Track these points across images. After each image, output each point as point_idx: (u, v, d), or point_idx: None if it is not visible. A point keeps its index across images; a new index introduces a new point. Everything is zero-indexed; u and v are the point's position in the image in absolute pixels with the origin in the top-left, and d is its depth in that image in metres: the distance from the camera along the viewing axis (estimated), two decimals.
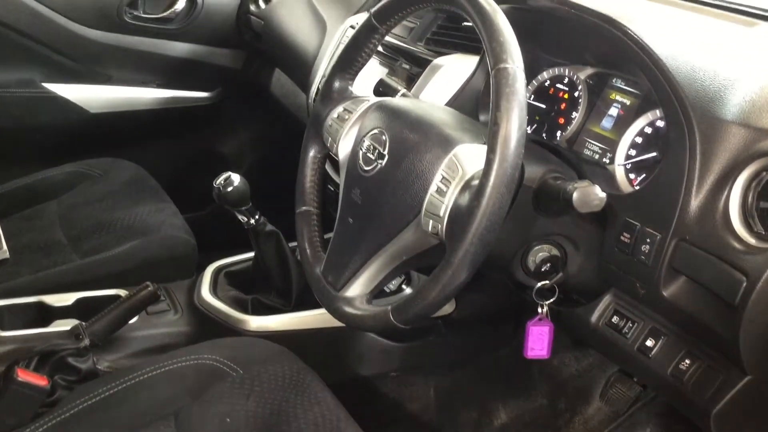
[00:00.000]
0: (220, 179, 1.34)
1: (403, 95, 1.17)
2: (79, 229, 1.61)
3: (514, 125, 0.79)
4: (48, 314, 1.33)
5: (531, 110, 1.17)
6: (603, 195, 0.87)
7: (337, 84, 1.12)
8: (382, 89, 1.22)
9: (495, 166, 0.79)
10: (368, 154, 1.00)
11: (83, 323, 1.21)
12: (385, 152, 0.97)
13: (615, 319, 1.01)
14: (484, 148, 0.83)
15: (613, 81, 1.11)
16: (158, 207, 1.68)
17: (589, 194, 0.86)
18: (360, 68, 1.12)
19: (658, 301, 0.92)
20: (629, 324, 0.99)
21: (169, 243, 1.57)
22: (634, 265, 0.94)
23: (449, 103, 1.24)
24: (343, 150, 1.07)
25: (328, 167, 1.25)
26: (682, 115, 0.89)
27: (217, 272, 1.50)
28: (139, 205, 1.68)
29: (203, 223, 1.89)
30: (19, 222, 1.65)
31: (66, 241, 1.58)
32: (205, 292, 1.42)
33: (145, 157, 2.00)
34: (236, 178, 1.34)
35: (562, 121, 1.17)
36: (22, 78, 1.99)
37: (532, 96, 1.22)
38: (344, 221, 1.04)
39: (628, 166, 1.04)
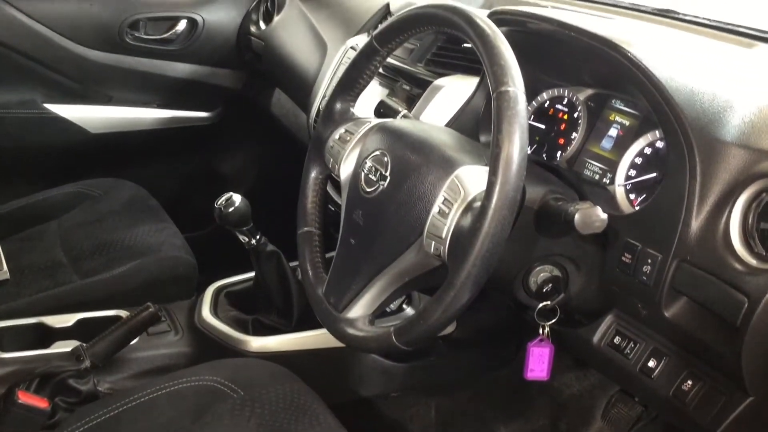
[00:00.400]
0: (222, 200, 1.35)
1: (404, 116, 1.18)
2: (79, 250, 1.60)
3: (515, 148, 0.80)
4: (48, 335, 1.33)
5: (531, 131, 1.18)
6: (604, 216, 0.88)
7: (338, 106, 1.13)
8: (383, 110, 1.22)
9: (497, 189, 0.79)
10: (370, 176, 1.00)
11: (84, 344, 1.20)
12: (387, 174, 0.98)
13: (617, 339, 1.01)
14: (486, 169, 0.83)
15: (613, 102, 1.12)
16: (159, 227, 1.68)
17: (591, 216, 0.87)
18: (361, 90, 1.12)
19: (660, 321, 0.92)
20: (631, 344, 0.99)
21: (170, 263, 1.57)
22: (635, 286, 0.94)
23: (449, 124, 1.24)
24: (345, 171, 1.08)
25: (329, 188, 1.26)
26: (682, 136, 0.90)
27: (217, 292, 1.50)
28: (139, 225, 1.68)
29: (204, 243, 1.89)
30: (19, 242, 1.65)
31: (66, 262, 1.58)
32: (206, 312, 1.42)
33: (146, 177, 2.01)
34: (237, 199, 1.34)
35: (562, 141, 1.17)
36: (23, 99, 2.00)
37: (532, 116, 1.22)
38: (346, 242, 1.04)
39: (629, 187, 1.05)
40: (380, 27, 1.08)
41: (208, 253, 1.75)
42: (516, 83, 0.83)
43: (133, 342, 1.28)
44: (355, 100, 1.14)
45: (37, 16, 1.95)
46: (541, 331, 1.05)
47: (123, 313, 1.38)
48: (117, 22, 2.00)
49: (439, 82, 1.38)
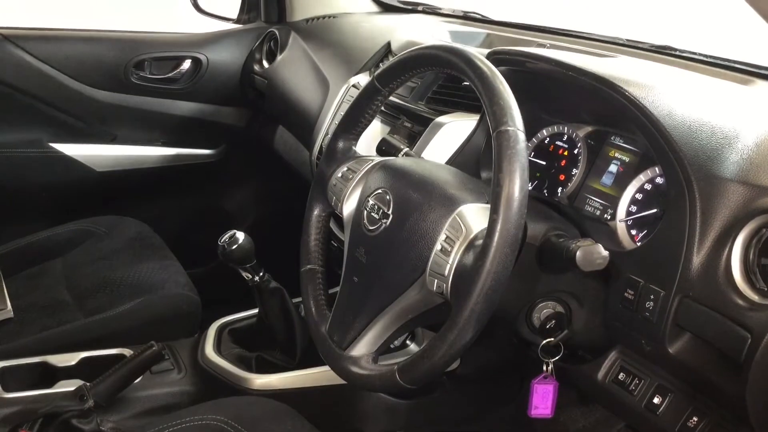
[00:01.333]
0: (225, 237, 1.36)
1: (406, 154, 1.20)
2: (83, 288, 1.61)
3: (516, 186, 0.81)
4: (52, 374, 1.33)
5: (532, 167, 1.19)
6: (606, 254, 0.88)
7: (340, 144, 1.14)
8: (384, 148, 1.24)
9: (498, 227, 0.80)
10: (372, 214, 1.01)
11: (87, 384, 1.20)
12: (390, 212, 0.99)
13: (621, 375, 1.01)
14: (487, 207, 0.84)
15: (612, 138, 1.13)
16: (162, 264, 1.69)
17: (592, 253, 0.87)
18: (363, 129, 1.14)
19: (664, 357, 0.92)
20: (636, 381, 0.99)
21: (174, 301, 1.58)
22: (638, 322, 0.94)
23: (451, 161, 1.26)
24: (348, 209, 1.09)
25: (332, 225, 1.26)
26: (681, 173, 0.91)
27: (221, 330, 1.50)
28: (143, 262, 1.68)
29: (207, 279, 1.89)
30: (24, 281, 1.66)
31: (71, 300, 1.58)
32: (209, 350, 1.42)
33: (150, 214, 2.02)
34: (241, 236, 1.35)
35: (562, 177, 1.18)
36: (29, 138, 2.02)
37: (533, 153, 1.24)
38: (349, 280, 1.05)
39: (630, 223, 1.06)
40: (381, 67, 1.10)
41: (212, 290, 1.75)
42: (515, 122, 0.84)
43: (136, 381, 1.28)
44: (357, 139, 1.15)
45: (44, 57, 1.98)
46: (545, 367, 1.05)
47: (127, 351, 1.38)
48: (123, 63, 2.04)
49: (440, 119, 1.39)
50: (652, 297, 0.92)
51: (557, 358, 1.03)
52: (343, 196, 1.09)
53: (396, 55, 1.64)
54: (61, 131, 2.05)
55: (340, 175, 1.12)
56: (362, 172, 1.09)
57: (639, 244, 1.02)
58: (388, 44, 1.75)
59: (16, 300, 1.53)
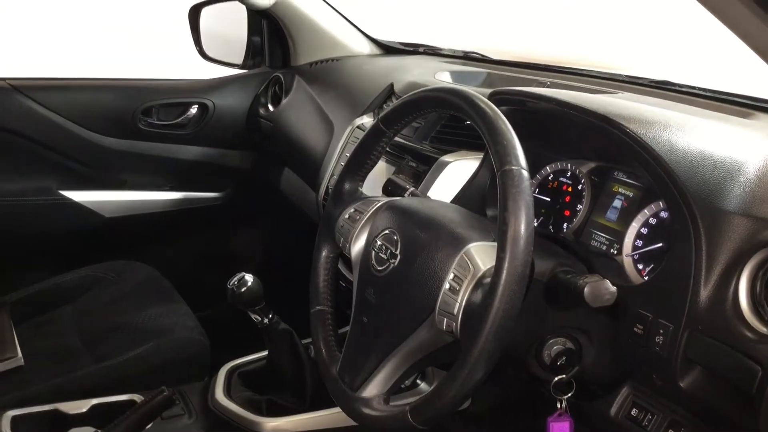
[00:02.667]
0: (234, 280, 1.36)
1: (412, 194, 1.21)
2: (93, 334, 1.62)
3: (522, 224, 0.82)
4: (63, 422, 1.32)
5: (537, 204, 1.20)
6: (614, 289, 0.89)
7: (347, 186, 1.16)
8: (390, 188, 1.25)
9: (506, 265, 0.81)
10: (381, 254, 1.02)
11: (99, 431, 1.20)
12: (398, 252, 1.00)
13: (634, 411, 1.00)
14: (494, 245, 0.85)
15: (615, 174, 1.14)
16: (171, 308, 1.70)
17: (600, 289, 0.88)
18: (369, 170, 1.16)
19: (676, 392, 0.92)
20: (649, 416, 0.99)
21: (183, 345, 1.58)
22: (649, 356, 0.94)
23: (456, 200, 1.27)
24: (356, 250, 1.10)
25: (340, 265, 1.27)
26: (685, 207, 0.92)
27: (230, 373, 1.49)
28: (152, 306, 1.69)
29: (216, 322, 1.89)
30: (34, 328, 1.67)
31: (81, 346, 1.59)
32: (219, 394, 1.42)
33: (159, 258, 2.04)
34: (249, 279, 1.36)
35: (567, 213, 1.19)
36: (39, 186, 2.05)
37: (537, 190, 1.25)
38: (359, 320, 1.05)
39: (636, 257, 1.06)
40: (386, 109, 1.12)
41: (221, 332, 1.75)
42: (519, 161, 0.85)
43: (147, 427, 1.28)
44: (363, 180, 1.17)
45: (53, 106, 2.02)
46: (558, 404, 1.04)
47: (137, 397, 1.37)
48: (131, 110, 2.07)
49: (444, 158, 1.41)
50: (661, 331, 0.92)
51: (570, 394, 1.03)
52: (351, 237, 1.11)
53: (399, 96, 1.67)
54: (70, 178, 2.08)
55: (347, 216, 1.13)
56: (369, 213, 1.11)
57: (646, 278, 1.02)
58: (391, 86, 1.78)
59: (27, 347, 1.53)
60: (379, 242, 1.04)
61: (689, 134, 1.02)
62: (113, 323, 1.63)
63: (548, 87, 1.46)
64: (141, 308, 1.68)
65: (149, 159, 2.15)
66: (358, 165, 1.16)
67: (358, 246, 1.10)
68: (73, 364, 1.51)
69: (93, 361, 1.53)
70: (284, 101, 2.14)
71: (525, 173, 0.85)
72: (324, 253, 1.19)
